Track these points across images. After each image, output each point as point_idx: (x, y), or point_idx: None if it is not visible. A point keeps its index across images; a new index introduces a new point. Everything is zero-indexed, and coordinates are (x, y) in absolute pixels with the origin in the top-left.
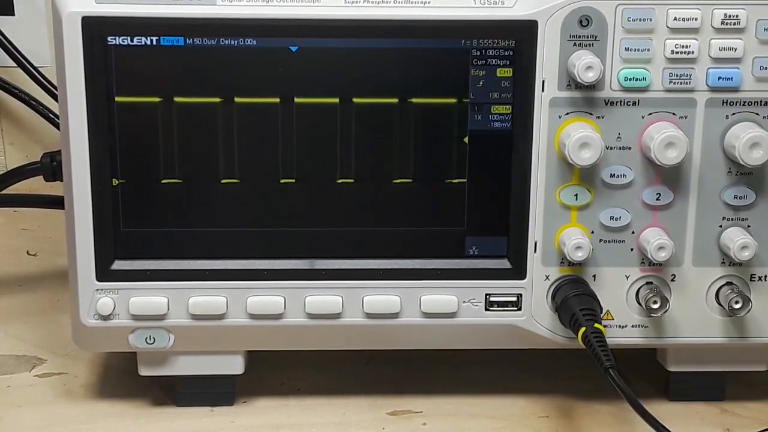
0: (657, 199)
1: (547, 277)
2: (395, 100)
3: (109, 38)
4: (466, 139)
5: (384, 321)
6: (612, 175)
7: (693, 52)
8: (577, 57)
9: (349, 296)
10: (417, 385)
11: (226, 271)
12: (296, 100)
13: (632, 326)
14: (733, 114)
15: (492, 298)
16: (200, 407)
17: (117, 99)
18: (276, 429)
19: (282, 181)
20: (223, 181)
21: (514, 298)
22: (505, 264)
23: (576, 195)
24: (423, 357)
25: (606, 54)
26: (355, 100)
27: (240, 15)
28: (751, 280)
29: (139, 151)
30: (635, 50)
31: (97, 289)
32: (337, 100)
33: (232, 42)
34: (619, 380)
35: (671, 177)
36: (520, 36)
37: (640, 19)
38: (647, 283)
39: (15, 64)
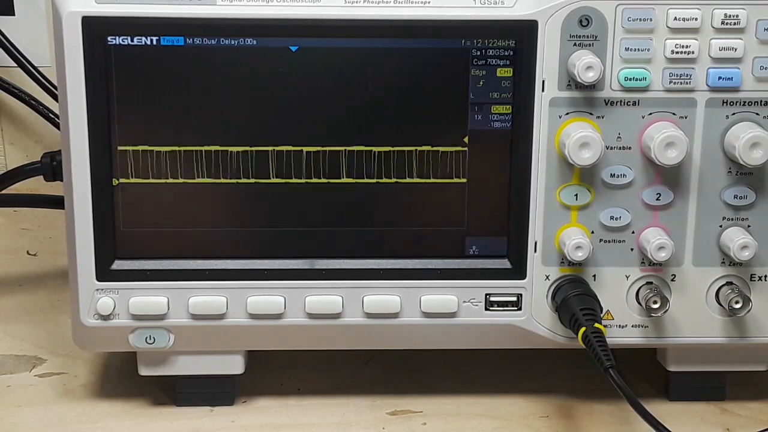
0: (657, 199)
1: (547, 277)
2: (395, 100)
3: (109, 38)
4: (466, 139)
5: (384, 321)
6: (612, 175)
7: (693, 52)
8: (577, 57)
9: (349, 296)
10: (417, 385)
11: (226, 271)
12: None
13: (632, 326)
14: (733, 114)
15: (492, 298)
16: (200, 407)
17: (117, 99)
18: (276, 429)
19: (282, 181)
20: (223, 181)
21: (514, 298)
22: (505, 264)
23: (576, 195)
24: (423, 357)
25: (606, 54)
26: (354, 100)
27: (240, 15)
28: (751, 280)
29: (139, 152)
30: (635, 50)
31: (97, 289)
32: (336, 100)
33: (232, 42)
34: (619, 380)
35: (671, 177)
36: (520, 36)
37: (640, 19)
38: (647, 283)
39: (15, 64)
